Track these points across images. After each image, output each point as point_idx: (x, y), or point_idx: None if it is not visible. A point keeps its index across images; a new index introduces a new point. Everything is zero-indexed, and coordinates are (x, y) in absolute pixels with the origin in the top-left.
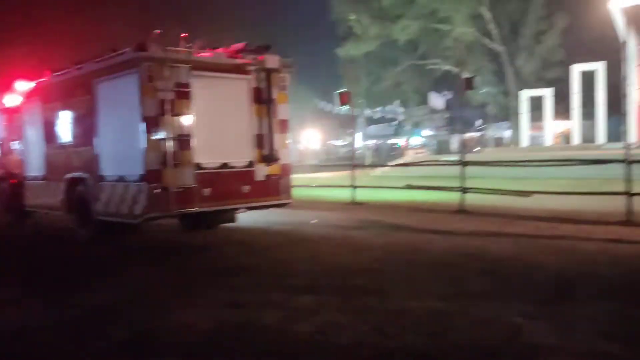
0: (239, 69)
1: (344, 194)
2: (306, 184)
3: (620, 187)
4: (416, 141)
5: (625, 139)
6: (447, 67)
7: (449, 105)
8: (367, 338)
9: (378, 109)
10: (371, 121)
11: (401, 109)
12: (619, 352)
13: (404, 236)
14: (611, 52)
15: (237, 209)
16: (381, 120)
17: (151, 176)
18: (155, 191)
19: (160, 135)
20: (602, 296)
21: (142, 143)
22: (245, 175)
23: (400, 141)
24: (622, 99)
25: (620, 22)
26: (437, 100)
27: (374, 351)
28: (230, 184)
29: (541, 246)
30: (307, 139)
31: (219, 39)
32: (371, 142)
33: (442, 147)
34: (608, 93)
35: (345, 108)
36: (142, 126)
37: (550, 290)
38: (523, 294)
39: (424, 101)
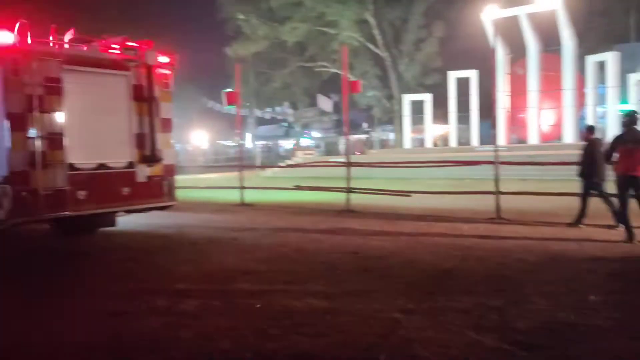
0: (117, 65)
1: (233, 195)
2: (193, 185)
3: (491, 187)
4: (306, 142)
5: (495, 142)
6: (334, 70)
7: (336, 108)
8: (250, 341)
9: (268, 109)
10: (261, 122)
11: (291, 111)
12: (490, 342)
13: (291, 237)
14: (483, 60)
15: (116, 212)
16: (272, 121)
17: (17, 178)
18: (22, 194)
19: (28, 133)
20: (473, 290)
21: (7, 142)
22: (124, 176)
23: (290, 142)
24: (492, 104)
25: (491, 33)
26: (325, 103)
27: (256, 355)
28: (108, 186)
29: (420, 243)
30: (195, 138)
31: (99, 32)
32: (261, 143)
33: (330, 149)
34: (481, 99)
35: (233, 108)
36: (7, 123)
37: (427, 286)
38: (402, 290)
39: (313, 103)
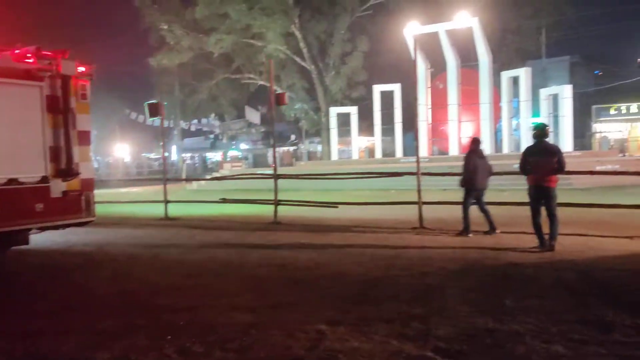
0: (29, 75)
1: (157, 210)
2: (115, 199)
3: (414, 197)
4: (233, 155)
5: (417, 154)
6: (262, 82)
7: (264, 120)
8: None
9: (194, 121)
10: (187, 134)
11: (218, 122)
12: (413, 350)
13: (217, 251)
14: (406, 74)
15: (29, 229)
16: (198, 133)
17: None
18: None
19: None
20: (397, 299)
21: None
22: (38, 191)
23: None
24: (414, 117)
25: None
26: (253, 115)
27: None
28: (20, 202)
29: (347, 254)
30: (117, 151)
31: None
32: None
33: (258, 161)
34: (405, 111)
35: (157, 120)
36: None
37: (354, 296)
38: (329, 301)
39: (240, 115)
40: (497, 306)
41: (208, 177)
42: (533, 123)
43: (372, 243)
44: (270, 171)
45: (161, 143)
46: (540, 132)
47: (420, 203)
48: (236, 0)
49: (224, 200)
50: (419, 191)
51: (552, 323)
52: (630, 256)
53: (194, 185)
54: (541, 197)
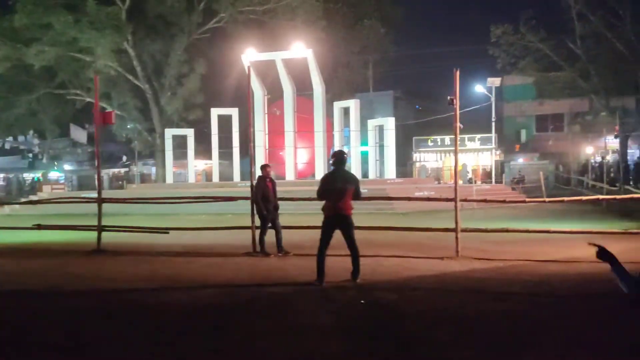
0: None
1: None
2: None
3: (248, 221)
4: (55, 176)
5: (252, 178)
6: (89, 99)
7: (92, 139)
8: None
9: (8, 139)
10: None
11: (37, 140)
12: None
13: (26, 284)
14: (244, 99)
15: None
16: (13, 152)
17: None
18: None
19: None
20: (223, 327)
21: None
22: None
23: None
24: (250, 142)
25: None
26: (79, 133)
27: None
28: None
29: (175, 282)
30: None
31: None
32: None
33: (84, 183)
34: (242, 136)
35: None
36: None
37: (176, 327)
38: (150, 334)
39: (65, 133)
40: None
41: (23, 200)
42: (362, 152)
43: (204, 269)
44: (95, 194)
45: None
46: (338, 159)
47: (253, 227)
48: (61, 11)
49: (39, 227)
50: (252, 215)
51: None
52: (440, 275)
53: (6, 209)
54: (338, 225)
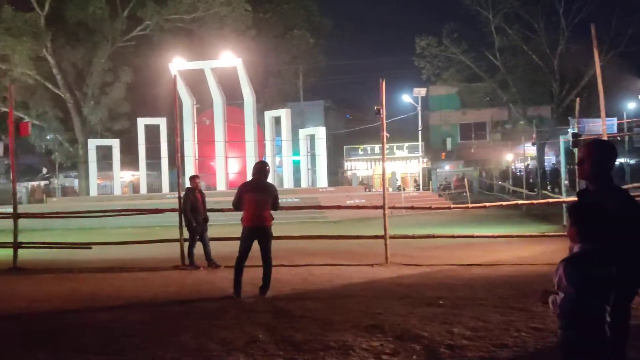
0: None
1: None
2: None
3: (177, 234)
4: None
5: (180, 190)
6: (5, 109)
7: (8, 151)
8: None
9: None
10: None
11: None
12: None
13: None
14: (172, 108)
15: None
16: None
17: None
18: None
19: None
20: (141, 347)
21: None
22: None
23: None
24: (176, 152)
25: (179, 83)
26: None
27: None
28: None
29: (96, 299)
30: None
31: None
32: None
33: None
34: (171, 146)
35: None
36: None
37: (96, 347)
38: (66, 356)
39: None
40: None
41: None
42: (294, 160)
43: (128, 284)
44: (10, 209)
45: None
46: (256, 169)
47: (181, 240)
48: None
49: None
50: (180, 227)
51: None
52: (370, 282)
53: None
54: (256, 237)
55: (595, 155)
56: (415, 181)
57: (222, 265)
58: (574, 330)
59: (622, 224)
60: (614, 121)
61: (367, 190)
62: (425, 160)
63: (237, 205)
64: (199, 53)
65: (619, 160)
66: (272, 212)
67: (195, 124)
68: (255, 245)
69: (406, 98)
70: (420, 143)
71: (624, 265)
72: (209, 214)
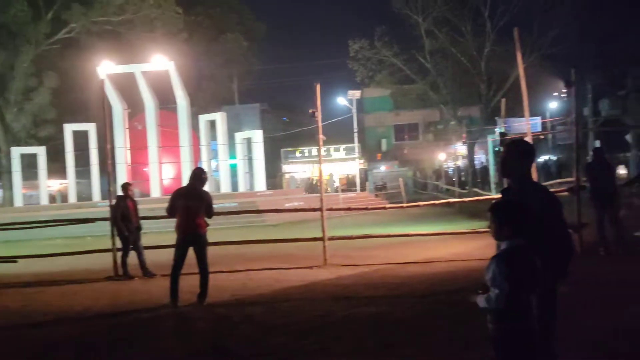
0: None
1: None
2: None
3: (109, 244)
4: None
5: (111, 198)
6: None
7: None
8: None
9: None
10: None
11: None
12: None
13: None
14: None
15: None
16: None
17: None
18: None
19: None
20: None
21: None
22: None
23: None
24: (106, 159)
25: (108, 87)
26: None
27: None
28: None
29: (23, 316)
30: None
31: None
32: None
33: None
34: (102, 152)
35: None
36: None
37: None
38: None
39: None
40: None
41: None
42: (231, 164)
43: (58, 298)
44: None
45: None
46: (192, 175)
47: (114, 250)
48: None
49: None
50: (112, 237)
51: None
52: (309, 285)
53: None
54: (191, 244)
55: (515, 155)
56: (353, 182)
57: (158, 274)
58: (506, 323)
59: (543, 217)
60: (538, 120)
61: (306, 192)
62: (361, 161)
63: (170, 212)
64: (129, 56)
65: (544, 157)
66: (207, 219)
67: (127, 129)
68: (192, 252)
69: (341, 100)
70: (356, 144)
71: (546, 258)
72: (143, 221)
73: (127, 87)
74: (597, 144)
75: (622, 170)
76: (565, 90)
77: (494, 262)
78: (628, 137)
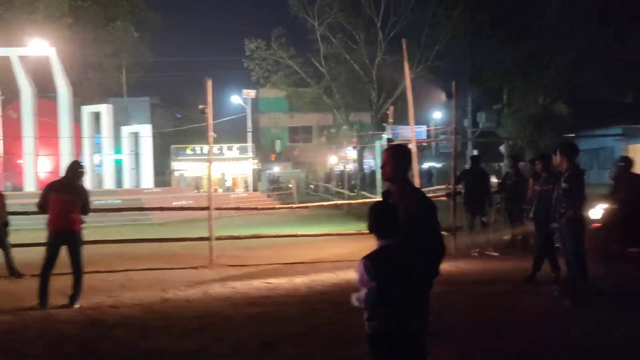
0: None
1: None
2: None
3: None
4: None
5: None
6: None
7: None
8: None
9: None
10: None
11: None
12: None
13: None
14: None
15: None
16: None
17: None
18: None
19: None
20: None
21: None
22: None
23: None
24: None
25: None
26: None
27: None
28: None
29: None
30: None
31: None
32: None
33: None
34: None
35: None
36: None
37: None
38: None
39: None
40: None
41: None
42: (116, 160)
43: None
44: None
45: None
46: (68, 168)
47: None
48: None
49: None
50: None
51: None
52: (193, 285)
53: None
54: (63, 242)
55: (394, 159)
56: (245, 182)
57: (27, 274)
58: (377, 320)
59: (417, 219)
60: (423, 128)
61: (197, 191)
62: (255, 161)
63: (42, 207)
64: (6, 39)
65: (428, 164)
66: (82, 216)
67: (0, 118)
68: (65, 251)
69: (236, 99)
70: (250, 144)
71: (419, 257)
72: (12, 217)
73: (1, 72)
74: (475, 153)
75: (495, 179)
76: (445, 101)
77: (362, 262)
78: (502, 148)
